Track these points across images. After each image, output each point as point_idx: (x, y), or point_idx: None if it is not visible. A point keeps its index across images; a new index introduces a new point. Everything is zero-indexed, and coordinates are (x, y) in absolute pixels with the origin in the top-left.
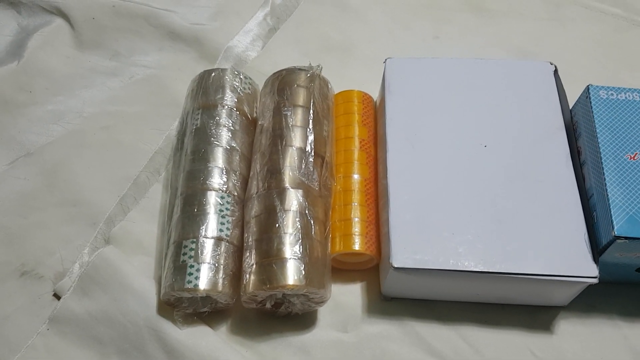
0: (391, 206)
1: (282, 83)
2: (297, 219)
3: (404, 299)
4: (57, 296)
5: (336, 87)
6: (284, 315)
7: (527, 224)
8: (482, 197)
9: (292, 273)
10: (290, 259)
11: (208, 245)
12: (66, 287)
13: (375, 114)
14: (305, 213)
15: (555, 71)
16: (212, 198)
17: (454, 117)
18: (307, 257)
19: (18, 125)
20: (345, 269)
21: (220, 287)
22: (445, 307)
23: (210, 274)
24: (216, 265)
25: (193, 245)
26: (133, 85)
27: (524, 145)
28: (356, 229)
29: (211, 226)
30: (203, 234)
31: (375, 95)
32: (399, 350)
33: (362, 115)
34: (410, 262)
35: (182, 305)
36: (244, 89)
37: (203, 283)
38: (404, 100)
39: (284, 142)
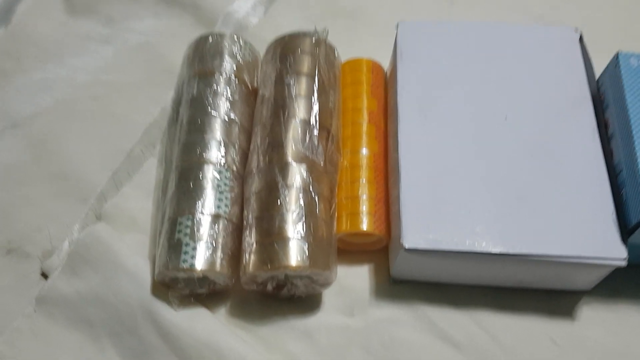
0: (402, 182)
1: (285, 49)
2: (301, 196)
3: (414, 281)
4: (44, 275)
5: (343, 55)
6: (287, 297)
7: (549, 202)
8: (501, 173)
9: (295, 253)
10: (292, 238)
11: (205, 223)
12: (54, 266)
13: (385, 85)
14: (309, 189)
15: (581, 38)
16: (210, 172)
17: (471, 87)
18: (311, 237)
19: (4, 95)
20: (352, 249)
21: (218, 267)
22: (459, 290)
23: (207, 253)
24: (214, 244)
25: (189, 222)
26: (127, 53)
27: (546, 118)
28: (364, 208)
29: (208, 202)
30: (200, 210)
31: (385, 64)
32: (409, 336)
33: (371, 86)
34: (422, 243)
35: (177, 286)
36: (244, 55)
37: (200, 262)
38: (418, 67)
39: (286, 113)
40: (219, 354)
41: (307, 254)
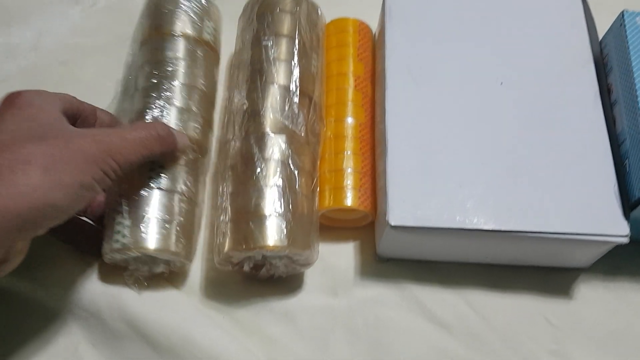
0: (389, 154)
1: (262, 7)
2: (279, 169)
3: (402, 259)
4: None
5: (328, 14)
6: (266, 278)
7: (546, 174)
8: (495, 143)
9: (273, 232)
10: (270, 215)
11: (142, 197)
12: None
13: (373, 47)
14: (289, 163)
15: None
16: None
17: (465, 50)
18: (290, 214)
19: None
20: (336, 226)
21: (156, 243)
22: (448, 268)
23: (143, 230)
24: (154, 218)
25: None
26: (95, 15)
27: (545, 83)
28: (348, 182)
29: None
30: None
31: (374, 25)
32: (396, 316)
33: (358, 49)
34: (410, 219)
35: (131, 268)
36: (204, 12)
37: (132, 240)
38: (407, 28)
39: (264, 79)
40: (188, 340)
41: (285, 232)
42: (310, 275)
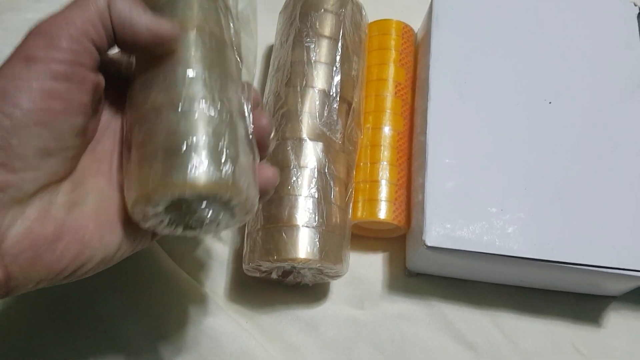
0: (429, 169)
1: (306, 6)
2: (315, 179)
3: (432, 275)
4: None
5: (370, 14)
6: (292, 285)
7: (591, 203)
8: (541, 166)
9: (305, 245)
10: (303, 227)
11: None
12: None
13: (416, 52)
14: (325, 172)
15: (639, 14)
16: None
17: (513, 64)
18: (323, 226)
19: None
20: (366, 235)
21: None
22: (479, 288)
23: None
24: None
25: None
26: None
27: (596, 105)
28: (383, 194)
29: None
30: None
31: (417, 26)
32: (422, 333)
33: (400, 53)
34: (447, 241)
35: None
36: None
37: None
38: (455, 36)
39: (304, 82)
40: (215, 341)
41: (317, 246)
42: (337, 285)
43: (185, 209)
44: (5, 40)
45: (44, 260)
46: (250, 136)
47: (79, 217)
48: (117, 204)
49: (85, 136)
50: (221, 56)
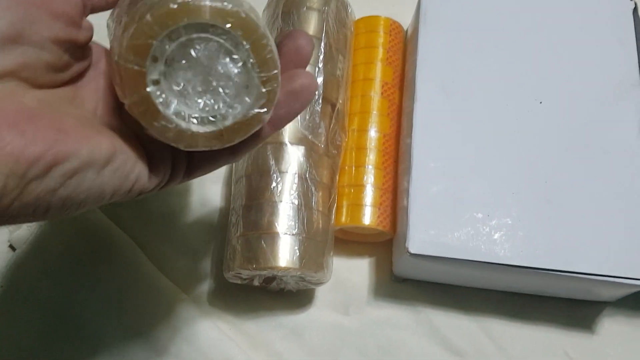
0: (413, 174)
1: (289, 4)
2: (295, 184)
3: (419, 281)
4: (12, 247)
5: (357, 10)
6: (276, 291)
7: (581, 209)
8: (530, 170)
9: (285, 253)
10: (283, 234)
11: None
12: (23, 238)
13: (404, 49)
14: (306, 177)
15: (635, 9)
16: None
17: (503, 63)
18: (304, 233)
19: None
20: (351, 240)
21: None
22: (467, 294)
23: None
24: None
25: None
26: None
27: (588, 105)
28: (368, 199)
29: None
30: None
31: (407, 23)
32: (408, 340)
33: (387, 51)
34: (430, 248)
35: None
36: None
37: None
38: (443, 33)
39: None
40: (197, 348)
41: (297, 254)
42: (322, 291)
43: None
44: None
45: (6, 141)
46: None
47: (55, 112)
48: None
49: (70, 45)
50: None
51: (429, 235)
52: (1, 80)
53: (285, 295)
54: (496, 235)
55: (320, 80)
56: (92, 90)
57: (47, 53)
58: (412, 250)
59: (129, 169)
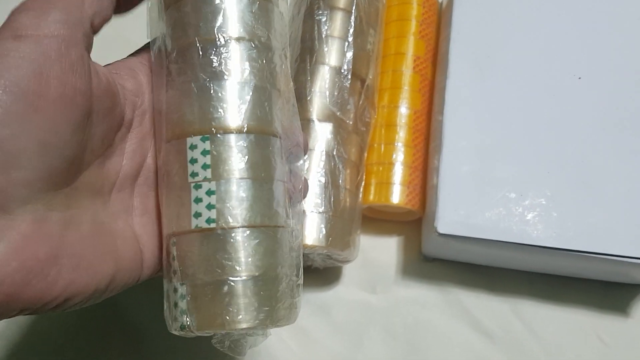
0: (444, 152)
1: None
2: (322, 162)
3: (448, 261)
4: None
5: None
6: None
7: (620, 188)
8: (565, 149)
9: (312, 231)
10: (309, 212)
11: None
12: None
13: (439, 21)
14: (334, 155)
15: None
16: None
17: (541, 37)
18: (331, 211)
19: None
20: (379, 218)
21: None
22: (498, 274)
23: None
24: None
25: None
26: None
27: (628, 83)
28: (397, 177)
29: None
30: None
31: None
32: (436, 320)
33: (420, 24)
34: (460, 228)
35: None
36: None
37: None
38: (478, 6)
39: (314, 59)
40: None
41: (324, 232)
42: (349, 269)
43: None
44: None
45: (33, 287)
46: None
47: (75, 240)
48: (112, 231)
49: (85, 136)
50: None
51: (458, 215)
52: (28, 205)
53: (312, 272)
54: (529, 216)
55: (349, 55)
56: (117, 164)
57: (70, 147)
58: (441, 231)
59: (131, 280)
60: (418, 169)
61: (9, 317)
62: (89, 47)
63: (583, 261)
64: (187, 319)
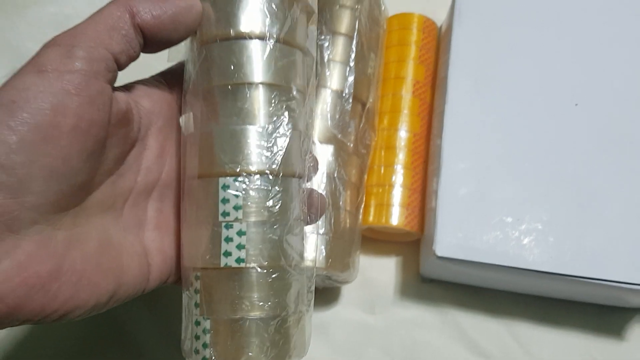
0: (443, 175)
1: (321, 2)
2: (323, 183)
3: (446, 282)
4: None
5: (391, 7)
6: None
7: (616, 214)
8: (562, 175)
9: (311, 252)
10: (309, 233)
11: None
12: None
13: (437, 47)
14: (334, 176)
15: None
16: None
17: (539, 62)
18: (331, 233)
19: (14, 29)
20: (378, 239)
21: None
22: (495, 296)
23: None
24: None
25: None
26: None
27: (624, 110)
28: (396, 199)
29: None
30: None
31: (440, 21)
32: (434, 341)
33: (420, 49)
34: (458, 252)
35: None
36: None
37: None
38: (477, 32)
39: (316, 82)
40: None
41: (324, 253)
42: (348, 289)
43: None
44: (30, 35)
45: (35, 301)
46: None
47: (79, 258)
48: (119, 247)
49: (98, 162)
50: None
51: (456, 238)
52: (35, 226)
53: None
54: (525, 240)
55: (351, 79)
56: (129, 182)
57: (80, 174)
58: (439, 253)
59: (135, 292)
60: (417, 191)
61: (12, 326)
62: (111, 81)
63: (578, 285)
64: (210, 352)
